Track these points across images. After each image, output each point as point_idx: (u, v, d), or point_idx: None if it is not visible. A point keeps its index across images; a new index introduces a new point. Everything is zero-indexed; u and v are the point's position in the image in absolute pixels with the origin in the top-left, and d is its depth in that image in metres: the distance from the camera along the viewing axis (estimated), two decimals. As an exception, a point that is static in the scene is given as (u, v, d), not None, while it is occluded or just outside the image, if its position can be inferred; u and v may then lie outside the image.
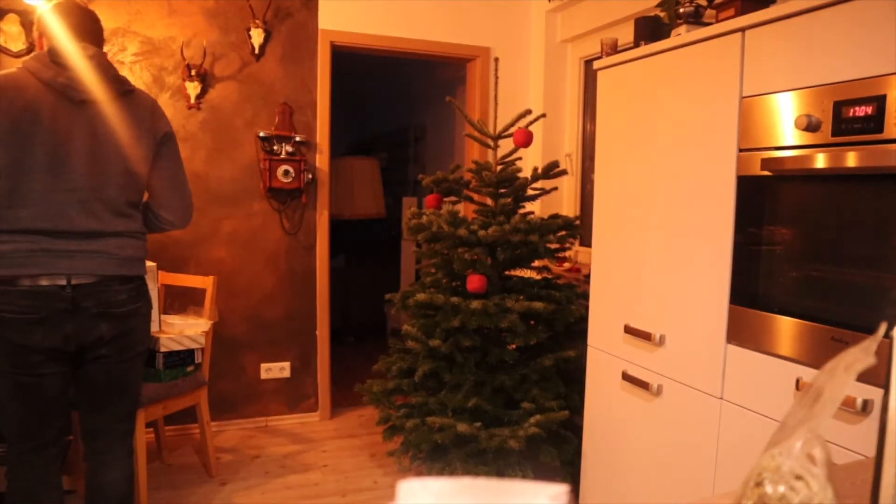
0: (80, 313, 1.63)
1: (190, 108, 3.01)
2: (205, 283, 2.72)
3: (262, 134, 3.10)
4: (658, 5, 1.92)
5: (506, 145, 2.64)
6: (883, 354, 0.52)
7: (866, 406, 1.18)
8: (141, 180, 1.75)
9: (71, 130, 1.62)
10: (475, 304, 2.31)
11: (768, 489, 0.48)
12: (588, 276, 2.18)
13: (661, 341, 1.76)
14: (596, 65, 2.04)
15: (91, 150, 1.64)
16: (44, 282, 1.59)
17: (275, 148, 3.13)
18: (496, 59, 3.49)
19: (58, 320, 1.61)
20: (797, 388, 1.34)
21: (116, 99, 1.70)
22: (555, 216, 2.52)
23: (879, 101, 1.16)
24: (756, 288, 1.47)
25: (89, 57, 1.66)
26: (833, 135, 1.25)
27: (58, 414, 1.73)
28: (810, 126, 1.28)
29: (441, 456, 2.38)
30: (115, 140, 1.67)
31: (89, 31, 1.74)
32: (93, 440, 1.79)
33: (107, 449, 1.79)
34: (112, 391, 1.77)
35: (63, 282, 1.60)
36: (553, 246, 2.52)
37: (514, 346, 2.44)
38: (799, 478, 0.47)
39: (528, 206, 2.67)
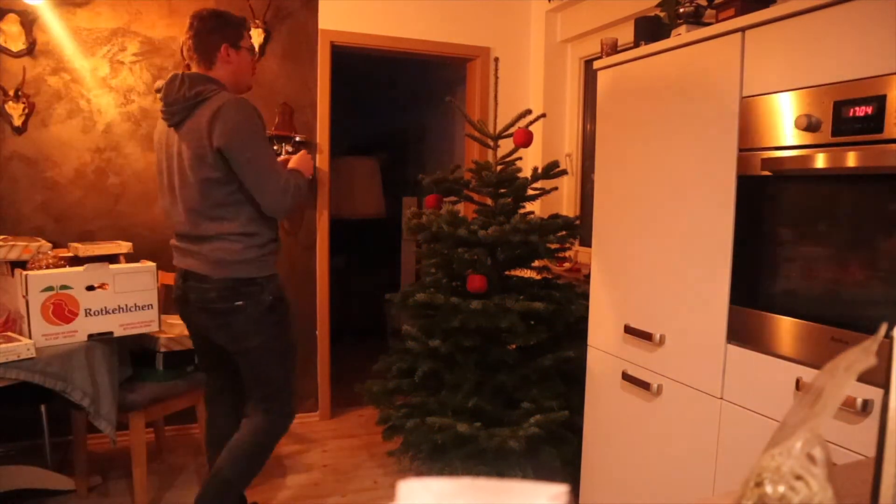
0: (187, 302, 1.96)
1: (190, 108, 3.01)
2: (205, 283, 2.72)
3: (261, 134, 3.10)
4: (658, 5, 1.91)
5: (506, 145, 2.64)
6: (883, 355, 0.52)
7: (866, 406, 1.18)
8: (222, 185, 1.84)
9: (171, 152, 1.90)
10: (475, 304, 2.31)
11: (768, 489, 0.48)
12: (588, 276, 2.18)
13: (661, 341, 1.76)
14: (596, 65, 2.04)
15: (180, 168, 1.87)
16: (177, 274, 2.00)
17: (275, 148, 3.12)
18: (496, 59, 3.49)
19: (179, 303, 2.01)
20: (797, 388, 1.34)
21: (188, 118, 1.83)
22: (555, 216, 2.52)
23: (879, 101, 1.16)
24: (756, 288, 1.47)
25: (170, 82, 1.84)
26: (833, 135, 1.25)
27: (220, 376, 2.17)
28: (810, 126, 1.28)
29: (441, 456, 2.38)
30: (187, 157, 1.84)
31: (197, 45, 1.89)
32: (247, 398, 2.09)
33: (247, 405, 2.06)
34: (242, 370, 2.04)
35: (180, 276, 1.96)
36: (553, 246, 2.52)
37: (514, 346, 2.44)
38: (799, 478, 0.47)
39: (528, 206, 2.67)
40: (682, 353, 1.69)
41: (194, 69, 1.91)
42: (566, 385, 2.42)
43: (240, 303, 1.89)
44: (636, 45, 1.87)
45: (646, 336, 1.80)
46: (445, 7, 3.37)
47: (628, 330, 1.88)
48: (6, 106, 2.72)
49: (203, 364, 2.22)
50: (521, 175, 2.57)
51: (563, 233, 2.51)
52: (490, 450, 2.25)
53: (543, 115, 2.67)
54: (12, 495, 2.34)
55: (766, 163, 1.39)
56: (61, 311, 2.09)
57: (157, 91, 1.91)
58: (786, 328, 1.38)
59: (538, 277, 2.71)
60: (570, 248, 2.66)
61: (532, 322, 2.44)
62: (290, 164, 2.06)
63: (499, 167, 2.58)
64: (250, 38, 2.01)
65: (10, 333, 2.03)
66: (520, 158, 2.68)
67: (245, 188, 1.85)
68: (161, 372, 2.46)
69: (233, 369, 2.10)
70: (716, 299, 1.56)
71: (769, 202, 1.43)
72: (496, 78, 3.48)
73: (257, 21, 3.02)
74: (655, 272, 1.79)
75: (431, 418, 2.30)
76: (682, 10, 1.71)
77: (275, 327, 1.98)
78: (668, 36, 1.78)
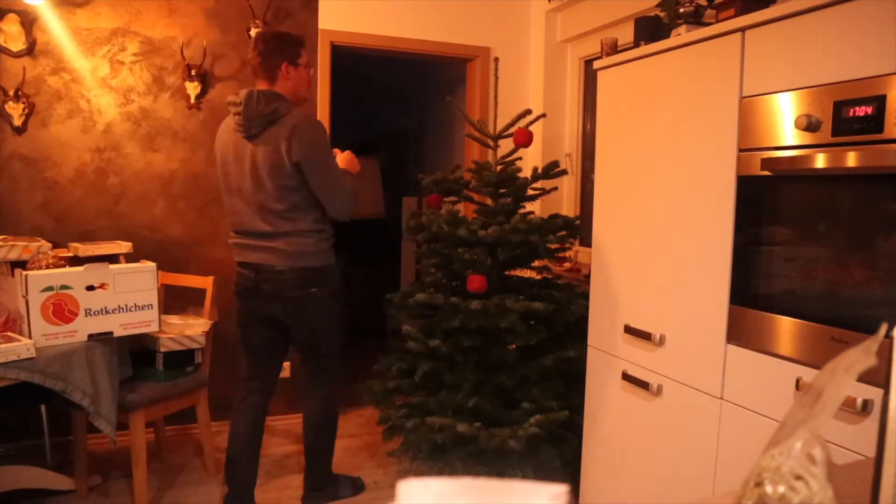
0: (259, 293, 2.20)
1: (190, 108, 3.01)
2: (205, 283, 2.72)
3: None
4: (658, 5, 1.91)
5: (506, 145, 2.64)
6: (883, 355, 0.52)
7: (866, 406, 1.18)
8: (296, 191, 2.12)
9: (243, 160, 2.14)
10: (475, 304, 2.31)
11: (768, 489, 0.48)
12: (588, 276, 2.18)
13: (661, 341, 1.76)
14: (596, 65, 2.04)
15: (254, 175, 2.12)
16: (242, 268, 2.23)
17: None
18: (496, 59, 3.49)
19: (248, 295, 2.24)
20: (797, 388, 1.34)
21: (264, 132, 2.10)
22: (555, 216, 2.51)
23: (879, 101, 1.16)
24: (756, 288, 1.47)
25: (248, 99, 2.09)
26: (833, 135, 1.25)
27: (262, 360, 2.35)
28: (810, 126, 1.28)
29: (441, 456, 2.38)
30: (264, 167, 2.09)
31: (262, 64, 2.15)
32: (303, 381, 2.43)
33: (307, 388, 2.42)
34: (301, 353, 2.37)
35: (251, 269, 2.19)
36: (553, 246, 2.52)
37: (514, 346, 2.44)
38: (799, 478, 0.47)
39: (528, 206, 2.67)
40: (682, 353, 1.69)
41: (259, 86, 2.17)
42: (566, 385, 2.42)
43: (314, 289, 2.19)
44: (636, 45, 1.87)
45: (646, 336, 1.80)
46: (445, 7, 3.37)
47: (628, 330, 1.88)
48: (6, 106, 2.72)
49: (251, 354, 2.35)
50: (521, 175, 2.57)
51: (563, 233, 2.51)
52: (490, 450, 2.25)
53: (543, 115, 2.67)
54: (12, 495, 2.34)
55: (766, 163, 1.39)
56: (61, 311, 2.09)
57: (230, 104, 2.16)
58: (786, 328, 1.38)
59: (538, 277, 2.71)
60: (570, 248, 2.66)
61: (532, 322, 2.44)
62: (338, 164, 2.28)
63: (499, 167, 2.58)
64: (307, 55, 2.24)
65: (10, 333, 2.03)
66: (520, 158, 2.68)
67: (314, 193, 2.14)
68: (161, 372, 2.46)
69: (276, 362, 2.41)
70: (716, 299, 1.56)
71: (769, 202, 1.43)
72: (496, 78, 3.47)
73: (257, 21, 3.02)
74: (655, 272, 1.79)
75: (431, 418, 2.30)
76: (682, 10, 1.71)
77: (337, 309, 2.31)
78: (668, 36, 1.78)
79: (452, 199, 2.72)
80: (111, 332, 2.21)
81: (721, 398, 1.55)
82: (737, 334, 1.51)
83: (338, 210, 2.21)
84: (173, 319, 2.59)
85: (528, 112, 2.57)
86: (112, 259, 2.48)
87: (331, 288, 2.26)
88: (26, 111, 2.75)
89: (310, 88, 2.30)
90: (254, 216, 2.16)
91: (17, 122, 2.74)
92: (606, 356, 2.00)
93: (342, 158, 2.32)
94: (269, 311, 2.22)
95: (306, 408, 2.42)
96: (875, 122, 1.17)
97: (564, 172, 2.59)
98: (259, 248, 2.17)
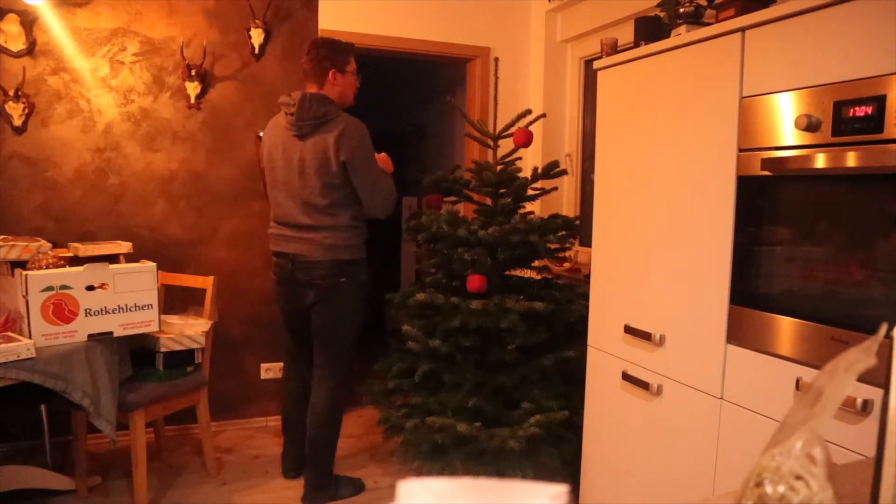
0: (295, 281, 2.38)
1: (190, 108, 3.01)
2: (205, 283, 2.72)
3: (262, 134, 3.09)
4: (658, 5, 1.91)
5: (506, 145, 2.64)
6: (883, 355, 0.52)
7: (866, 406, 1.18)
8: (339, 188, 2.30)
9: (292, 157, 2.32)
10: (475, 304, 2.31)
11: (768, 489, 0.48)
12: (588, 276, 2.18)
13: (661, 341, 1.76)
14: (596, 65, 2.04)
15: (301, 171, 2.30)
16: (279, 257, 2.42)
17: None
18: (496, 59, 3.49)
19: (285, 283, 2.43)
20: (797, 388, 1.34)
21: (314, 133, 2.28)
22: (555, 216, 2.52)
23: (879, 101, 1.16)
24: (756, 288, 1.47)
25: (301, 101, 2.27)
26: (833, 135, 1.25)
27: (303, 338, 2.52)
28: (810, 126, 1.28)
29: (441, 456, 2.38)
30: (312, 165, 2.28)
31: (312, 69, 2.33)
32: (314, 370, 2.49)
33: (316, 378, 2.47)
34: (320, 339, 2.44)
35: (287, 259, 2.37)
36: (553, 246, 2.52)
37: (514, 346, 2.44)
38: (799, 478, 0.47)
39: (528, 206, 2.67)
40: (682, 353, 1.69)
41: (309, 88, 2.35)
42: (566, 385, 2.42)
43: (344, 279, 2.35)
44: (636, 45, 1.87)
45: (646, 336, 1.80)
46: (445, 7, 3.37)
47: (628, 330, 1.88)
48: (6, 106, 2.72)
49: (292, 333, 2.58)
50: (521, 175, 2.57)
51: (563, 233, 2.51)
52: (490, 450, 2.25)
53: (543, 115, 2.67)
54: (12, 495, 2.34)
55: (766, 163, 1.39)
56: (61, 311, 2.09)
57: (282, 104, 2.33)
58: (786, 328, 1.38)
59: (538, 277, 2.71)
60: (570, 248, 2.66)
61: (532, 322, 2.44)
62: None
63: (499, 167, 2.58)
64: (355, 63, 2.41)
65: (10, 333, 2.03)
66: (520, 158, 2.68)
67: (355, 192, 2.32)
68: (161, 372, 2.46)
69: (310, 345, 2.51)
70: (716, 299, 1.56)
71: (769, 202, 1.43)
72: (496, 78, 3.48)
73: (257, 21, 3.02)
74: (655, 272, 1.79)
75: (431, 418, 2.30)
76: (682, 10, 1.71)
77: (363, 301, 2.45)
78: (668, 36, 1.78)
79: (452, 199, 2.72)
80: (111, 332, 2.21)
81: (721, 398, 1.55)
82: (737, 334, 1.51)
83: (377, 207, 2.38)
84: (173, 319, 2.59)
85: (528, 112, 2.57)
86: (112, 259, 2.48)
87: (359, 279, 2.41)
88: (26, 111, 2.75)
89: (356, 92, 2.45)
90: (296, 209, 2.33)
91: (17, 122, 2.74)
92: (606, 356, 2.00)
93: (379, 159, 2.44)
94: (303, 297, 2.38)
95: (312, 399, 2.46)
96: (875, 122, 1.17)
97: (564, 172, 2.59)
98: (297, 239, 2.34)
